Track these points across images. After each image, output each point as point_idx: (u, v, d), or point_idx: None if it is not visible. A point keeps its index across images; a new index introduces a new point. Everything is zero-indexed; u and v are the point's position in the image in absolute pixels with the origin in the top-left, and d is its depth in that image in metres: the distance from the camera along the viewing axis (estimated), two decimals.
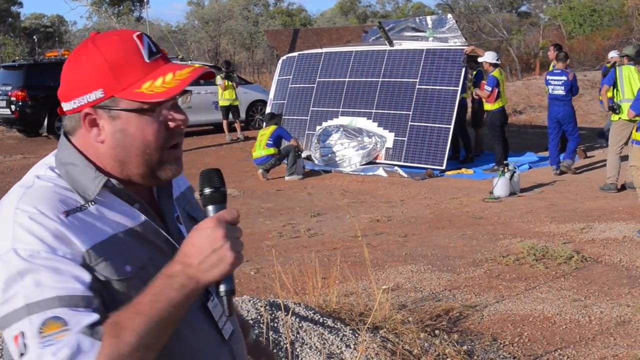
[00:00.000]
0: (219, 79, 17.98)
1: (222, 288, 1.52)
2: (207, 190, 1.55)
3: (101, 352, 1.39)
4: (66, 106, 1.62)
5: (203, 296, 1.70)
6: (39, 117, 19.56)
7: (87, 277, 1.46)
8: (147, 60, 1.58)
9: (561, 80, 12.76)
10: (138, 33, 1.61)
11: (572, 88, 12.76)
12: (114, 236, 1.55)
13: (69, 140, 1.65)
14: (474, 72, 14.54)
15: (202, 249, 1.46)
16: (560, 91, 12.76)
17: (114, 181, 1.59)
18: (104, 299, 1.48)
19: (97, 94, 1.56)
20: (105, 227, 1.55)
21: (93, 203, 1.56)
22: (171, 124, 1.60)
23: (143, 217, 1.62)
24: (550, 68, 14.79)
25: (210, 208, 1.55)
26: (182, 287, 1.45)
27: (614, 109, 10.84)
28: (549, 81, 13.00)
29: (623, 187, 10.91)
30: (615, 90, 11.15)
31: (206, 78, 1.66)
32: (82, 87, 1.57)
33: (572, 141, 12.99)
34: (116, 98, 1.55)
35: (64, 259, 1.45)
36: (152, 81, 1.55)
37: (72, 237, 1.48)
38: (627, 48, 12.01)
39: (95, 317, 1.42)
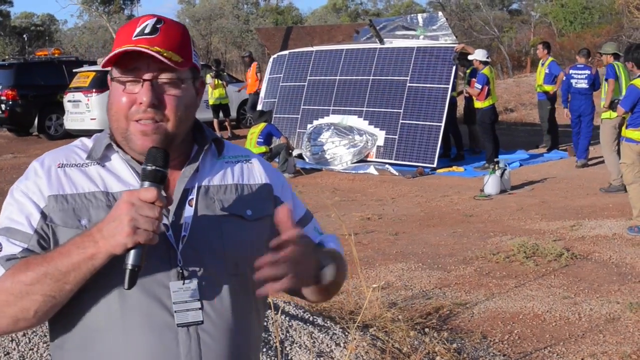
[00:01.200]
0: (208, 78, 17.99)
1: (127, 260, 1.58)
2: (149, 167, 1.63)
3: (0, 279, 1.62)
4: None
5: (175, 276, 1.71)
6: (30, 117, 19.52)
7: (37, 218, 1.70)
8: (132, 38, 1.71)
9: (585, 74, 13.19)
10: (150, 16, 1.77)
11: (594, 82, 13.14)
12: (89, 193, 1.73)
13: None
14: (468, 70, 14.53)
15: (110, 216, 1.57)
16: (583, 84, 13.17)
17: (115, 146, 1.78)
18: (51, 243, 1.69)
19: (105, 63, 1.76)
20: (88, 184, 1.75)
21: (95, 163, 1.78)
22: (136, 99, 1.71)
23: (135, 186, 1.72)
24: (539, 65, 14.84)
25: (146, 184, 1.62)
26: (83, 248, 1.58)
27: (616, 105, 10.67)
28: (572, 75, 13.38)
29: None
30: (617, 87, 10.92)
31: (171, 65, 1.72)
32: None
33: (585, 137, 13.17)
34: (112, 68, 1.75)
35: (29, 200, 1.71)
36: (114, 51, 1.70)
37: (47, 184, 1.73)
38: (609, 45, 11.80)
39: (15, 250, 1.66)
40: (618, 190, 10.34)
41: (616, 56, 11.03)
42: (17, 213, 1.71)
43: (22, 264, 1.62)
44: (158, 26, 1.72)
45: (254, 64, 18.65)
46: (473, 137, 15.36)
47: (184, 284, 1.72)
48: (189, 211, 1.77)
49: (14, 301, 1.61)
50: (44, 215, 1.70)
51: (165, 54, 1.68)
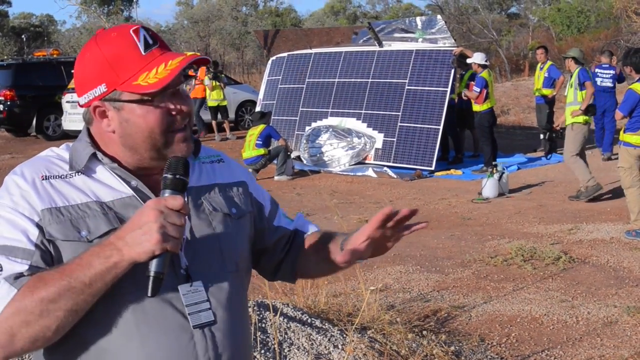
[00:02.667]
0: (206, 80, 17.99)
1: (150, 268, 1.58)
2: (169, 175, 1.64)
3: (13, 299, 1.54)
4: (80, 100, 1.76)
5: (182, 279, 1.73)
6: (28, 117, 19.52)
7: (35, 233, 1.63)
8: (143, 53, 1.68)
9: (610, 73, 14.32)
10: (135, 27, 1.73)
11: (618, 80, 14.38)
12: (82, 205, 1.69)
13: (88, 129, 1.81)
14: (467, 74, 14.49)
15: (133, 224, 1.56)
16: (608, 83, 14.26)
17: (100, 156, 1.74)
18: (52, 256, 1.64)
19: (101, 89, 1.70)
20: (78, 195, 1.70)
21: (79, 174, 1.73)
22: (172, 110, 1.71)
23: (130, 193, 1.73)
24: (538, 69, 14.86)
25: (167, 192, 1.63)
26: (106, 258, 1.55)
27: (594, 108, 10.47)
28: (598, 74, 14.21)
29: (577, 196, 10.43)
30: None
31: (200, 64, 1.79)
32: (89, 82, 1.72)
33: (610, 132, 14.07)
34: (117, 91, 1.68)
35: (21, 215, 1.64)
36: (147, 73, 1.66)
37: (35, 197, 1.66)
38: (573, 50, 11.56)
39: (24, 267, 1.60)
40: (595, 190, 10.21)
41: (576, 61, 10.84)
42: (10, 230, 1.63)
43: (36, 280, 1.56)
44: (149, 34, 1.73)
45: (202, 68, 17.88)
46: (476, 142, 15.35)
47: (191, 285, 1.74)
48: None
49: (35, 320, 1.54)
50: (41, 230, 1.64)
51: (189, 54, 1.74)
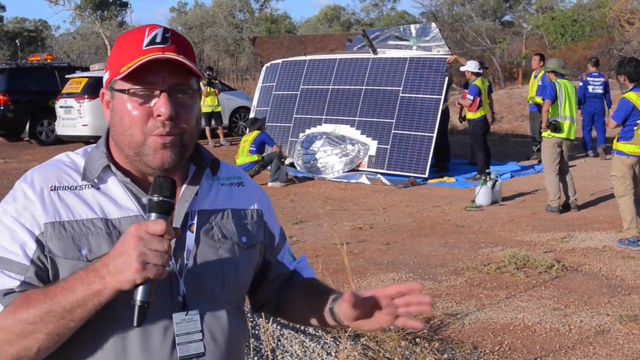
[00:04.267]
0: (201, 86, 17.98)
1: (135, 297, 1.52)
2: (155, 198, 1.58)
3: None
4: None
5: (178, 307, 1.68)
6: (21, 122, 19.49)
7: (32, 247, 1.59)
8: (144, 48, 1.65)
9: (600, 80, 15.51)
10: (156, 25, 1.71)
11: (607, 87, 15.55)
12: (86, 220, 1.64)
13: (108, 131, 1.79)
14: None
15: (116, 251, 1.50)
16: (599, 90, 15.41)
17: (114, 168, 1.70)
18: (49, 273, 1.60)
19: (106, 75, 1.72)
20: (84, 210, 1.65)
21: (90, 186, 1.68)
22: (154, 112, 1.65)
23: (138, 212, 1.68)
24: (532, 77, 14.92)
25: (152, 215, 1.56)
26: (89, 284, 1.50)
27: (555, 126, 10.07)
28: (589, 82, 15.46)
29: (567, 207, 10.37)
30: (554, 106, 10.30)
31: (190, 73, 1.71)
32: (107, 70, 1.74)
33: (601, 130, 15.47)
34: (114, 80, 1.68)
35: (22, 227, 1.60)
36: (129, 63, 1.64)
37: (40, 209, 1.62)
38: (552, 62, 11.35)
39: (14, 284, 1.57)
40: (552, 211, 10.10)
41: (556, 73, 10.70)
42: (9, 241, 1.59)
43: (22, 299, 1.53)
44: (167, 35, 1.68)
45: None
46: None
47: (186, 314, 1.68)
48: (190, 238, 1.72)
49: (16, 340, 1.52)
50: (40, 244, 1.59)
51: (188, 62, 1.67)
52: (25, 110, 19.37)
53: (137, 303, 1.52)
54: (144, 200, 1.66)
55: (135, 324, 1.54)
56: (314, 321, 1.90)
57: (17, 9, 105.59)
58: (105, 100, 1.74)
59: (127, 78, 1.64)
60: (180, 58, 1.64)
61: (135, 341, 1.63)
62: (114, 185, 1.70)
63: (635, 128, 8.17)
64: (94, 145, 1.78)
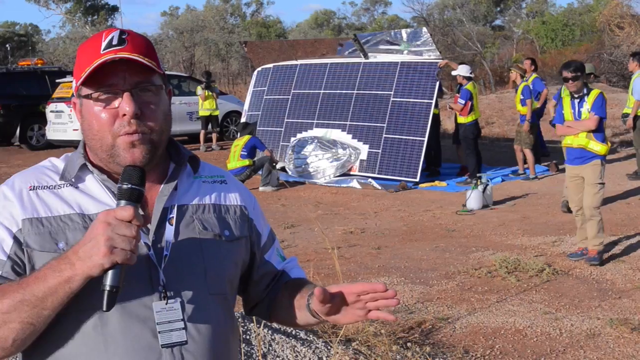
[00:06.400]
0: (199, 90, 18.16)
1: (104, 281, 1.55)
2: (125, 185, 1.63)
3: None
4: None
5: (158, 297, 1.70)
6: (11, 127, 19.43)
7: (9, 244, 1.65)
8: (101, 52, 1.68)
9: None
10: (113, 29, 1.74)
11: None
12: (64, 216, 1.69)
13: None
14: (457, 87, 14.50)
15: (85, 237, 1.55)
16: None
17: (90, 167, 1.76)
18: (26, 266, 1.64)
19: (74, 84, 1.77)
20: (62, 206, 1.70)
21: (68, 185, 1.73)
22: (120, 113, 1.69)
23: (111, 207, 1.69)
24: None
25: (122, 202, 1.61)
26: (59, 271, 1.54)
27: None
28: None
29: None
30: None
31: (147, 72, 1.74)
32: (75, 78, 1.77)
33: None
34: (80, 87, 1.72)
35: (1, 225, 1.66)
36: (88, 68, 1.67)
37: (19, 207, 1.68)
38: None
39: None
40: None
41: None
42: None
43: None
44: (124, 37, 1.71)
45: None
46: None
47: (167, 304, 1.70)
48: (169, 230, 1.76)
49: None
50: (17, 241, 1.65)
51: (145, 60, 1.69)
52: (16, 114, 19.31)
53: (107, 288, 1.55)
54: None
55: (104, 309, 1.57)
56: (300, 321, 1.93)
57: (7, 13, 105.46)
58: (77, 109, 1.77)
59: (89, 83, 1.69)
60: (134, 56, 1.68)
61: (117, 330, 1.65)
62: (92, 183, 1.75)
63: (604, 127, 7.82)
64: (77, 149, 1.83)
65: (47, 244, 1.64)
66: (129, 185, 1.62)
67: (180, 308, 1.71)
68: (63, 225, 1.67)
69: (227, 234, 1.85)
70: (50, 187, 1.72)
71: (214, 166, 1.99)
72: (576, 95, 7.66)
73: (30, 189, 1.71)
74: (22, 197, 1.69)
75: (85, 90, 1.70)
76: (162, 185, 1.80)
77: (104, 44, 1.69)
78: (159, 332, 1.68)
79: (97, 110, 1.69)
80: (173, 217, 1.78)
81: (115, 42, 1.69)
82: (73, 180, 1.74)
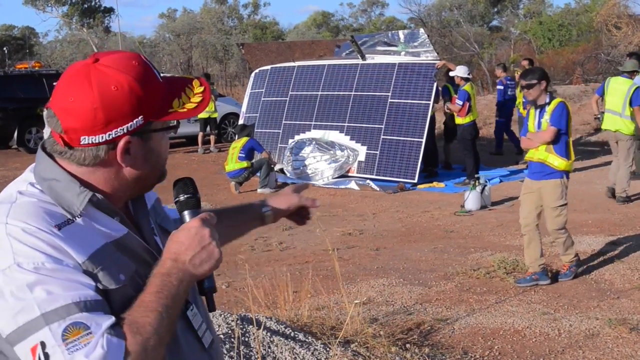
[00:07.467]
0: None
1: (205, 285, 1.65)
2: (182, 197, 1.69)
3: (128, 350, 1.44)
4: (95, 139, 1.58)
5: (182, 305, 1.69)
6: (9, 130, 19.40)
7: (93, 283, 1.50)
8: (161, 81, 1.65)
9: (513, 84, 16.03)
10: (135, 54, 1.65)
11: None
12: (104, 247, 1.57)
13: (52, 158, 1.64)
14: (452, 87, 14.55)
15: (191, 245, 1.57)
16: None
17: (98, 196, 1.61)
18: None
19: (138, 121, 1.59)
20: (95, 238, 1.57)
21: (79, 217, 1.58)
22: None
23: (125, 229, 1.66)
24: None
25: (186, 213, 1.68)
26: (180, 282, 1.55)
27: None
28: (509, 85, 16.25)
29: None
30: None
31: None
32: (122, 117, 1.57)
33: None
34: (151, 122, 1.62)
35: (69, 268, 1.48)
36: (177, 99, 1.64)
37: (68, 249, 1.50)
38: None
39: (112, 318, 1.47)
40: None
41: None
42: (68, 286, 1.46)
43: (129, 325, 1.49)
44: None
45: None
46: (447, 153, 15.53)
47: (192, 310, 1.77)
48: (157, 240, 1.80)
49: (162, 347, 1.54)
50: (94, 278, 1.52)
51: (191, 77, 1.75)
52: (13, 118, 19.29)
53: (209, 291, 1.66)
54: (116, 218, 1.65)
55: (210, 310, 1.71)
56: (237, 235, 2.30)
57: (4, 16, 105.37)
58: (126, 148, 1.61)
59: (174, 115, 1.66)
60: (206, 84, 1.73)
61: (180, 343, 1.71)
62: (91, 210, 1.61)
63: (568, 140, 7.09)
64: (30, 178, 1.64)
65: (113, 278, 1.55)
66: (195, 195, 1.71)
67: (197, 311, 1.79)
68: (108, 257, 1.56)
69: (172, 228, 1.78)
70: (68, 223, 1.55)
71: None
72: (537, 105, 7.12)
73: (58, 228, 1.52)
74: (61, 237, 1.51)
75: (159, 123, 1.65)
76: (130, 203, 1.78)
77: (155, 72, 1.65)
78: (201, 337, 1.78)
79: (163, 137, 1.71)
80: (153, 226, 1.82)
81: (156, 69, 1.68)
82: (81, 212, 1.58)
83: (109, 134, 1.57)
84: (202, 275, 1.59)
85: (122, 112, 1.57)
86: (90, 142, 1.58)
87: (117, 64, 1.59)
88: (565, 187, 7.10)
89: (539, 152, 7.07)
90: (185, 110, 1.64)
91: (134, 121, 1.58)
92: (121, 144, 1.59)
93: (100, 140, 1.58)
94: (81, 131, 1.57)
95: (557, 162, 7.01)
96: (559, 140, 7.00)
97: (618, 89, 10.87)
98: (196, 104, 1.65)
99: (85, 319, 1.44)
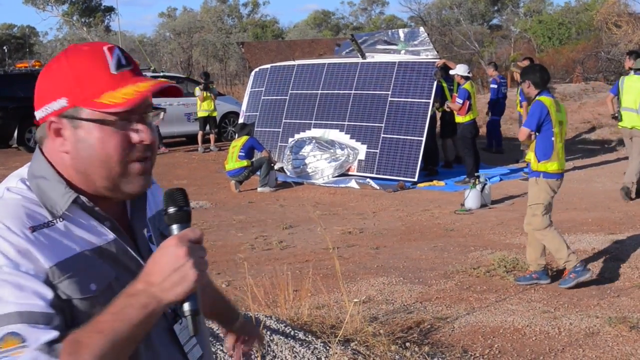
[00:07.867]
0: (197, 91, 18.18)
1: (186, 307, 1.50)
2: (171, 210, 1.54)
3: None
4: (37, 115, 1.61)
5: (171, 319, 1.68)
6: (9, 129, 19.40)
7: (49, 294, 1.44)
8: (114, 72, 1.56)
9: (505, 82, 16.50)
10: (109, 45, 1.60)
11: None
12: (80, 254, 1.52)
13: (41, 151, 1.63)
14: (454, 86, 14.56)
15: (164, 267, 1.44)
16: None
17: (83, 198, 1.58)
18: (66, 317, 1.47)
19: (61, 103, 1.56)
20: (72, 244, 1.53)
21: (61, 219, 1.54)
22: (134, 139, 1.57)
23: (112, 236, 1.60)
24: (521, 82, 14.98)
25: (174, 227, 1.53)
26: (143, 307, 1.43)
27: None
28: (502, 83, 16.79)
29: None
30: None
31: (170, 94, 1.66)
32: (49, 95, 1.58)
33: None
34: (79, 108, 1.54)
35: (27, 275, 1.44)
36: (112, 92, 1.53)
37: (36, 254, 1.46)
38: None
39: (54, 334, 1.40)
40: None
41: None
42: (19, 294, 1.42)
43: (71, 345, 1.40)
44: (125, 55, 1.61)
45: None
46: (445, 150, 15.55)
47: (180, 323, 1.70)
48: (154, 249, 1.64)
49: None
50: (53, 289, 1.46)
51: (162, 80, 1.64)
52: (14, 117, 19.28)
53: (190, 313, 1.51)
54: (107, 223, 1.61)
55: (192, 333, 1.54)
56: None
57: (4, 15, 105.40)
58: (54, 129, 1.58)
59: (102, 106, 1.54)
60: (163, 83, 1.60)
61: (162, 356, 1.65)
62: (78, 213, 1.58)
63: (553, 139, 6.90)
64: (24, 174, 1.63)
65: (82, 287, 1.50)
66: (183, 208, 1.54)
67: (186, 325, 1.67)
68: (84, 265, 1.52)
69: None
70: (47, 225, 1.52)
71: None
72: (529, 102, 7.18)
73: (32, 230, 1.48)
74: (32, 241, 1.47)
75: (94, 114, 1.54)
76: (132, 202, 1.72)
77: (113, 63, 1.57)
78: (187, 352, 1.71)
79: (108, 135, 1.54)
80: (151, 234, 1.74)
81: (124, 62, 1.59)
82: (63, 213, 1.55)
83: (42, 110, 1.60)
84: (174, 300, 1.44)
85: (50, 91, 1.58)
86: (37, 117, 1.61)
87: (73, 51, 1.61)
88: (545, 189, 6.93)
89: (530, 149, 7.10)
90: (110, 103, 1.52)
91: (58, 101, 1.57)
92: (47, 122, 1.58)
93: (38, 116, 1.61)
94: (34, 106, 1.63)
95: (533, 161, 6.97)
96: (537, 139, 6.91)
97: (633, 86, 11.09)
98: (124, 100, 1.52)
99: (23, 331, 1.39)
